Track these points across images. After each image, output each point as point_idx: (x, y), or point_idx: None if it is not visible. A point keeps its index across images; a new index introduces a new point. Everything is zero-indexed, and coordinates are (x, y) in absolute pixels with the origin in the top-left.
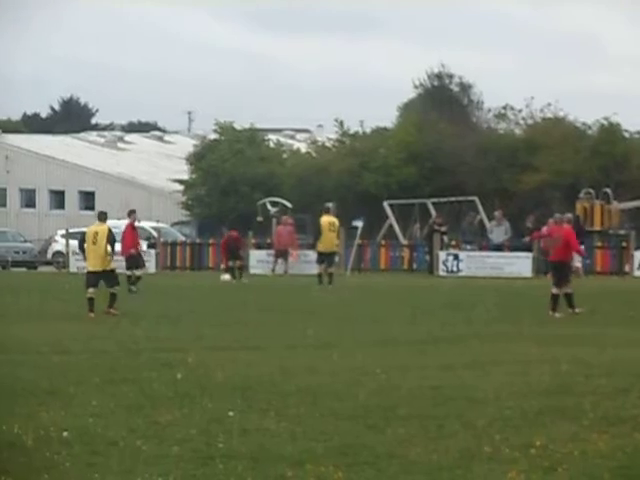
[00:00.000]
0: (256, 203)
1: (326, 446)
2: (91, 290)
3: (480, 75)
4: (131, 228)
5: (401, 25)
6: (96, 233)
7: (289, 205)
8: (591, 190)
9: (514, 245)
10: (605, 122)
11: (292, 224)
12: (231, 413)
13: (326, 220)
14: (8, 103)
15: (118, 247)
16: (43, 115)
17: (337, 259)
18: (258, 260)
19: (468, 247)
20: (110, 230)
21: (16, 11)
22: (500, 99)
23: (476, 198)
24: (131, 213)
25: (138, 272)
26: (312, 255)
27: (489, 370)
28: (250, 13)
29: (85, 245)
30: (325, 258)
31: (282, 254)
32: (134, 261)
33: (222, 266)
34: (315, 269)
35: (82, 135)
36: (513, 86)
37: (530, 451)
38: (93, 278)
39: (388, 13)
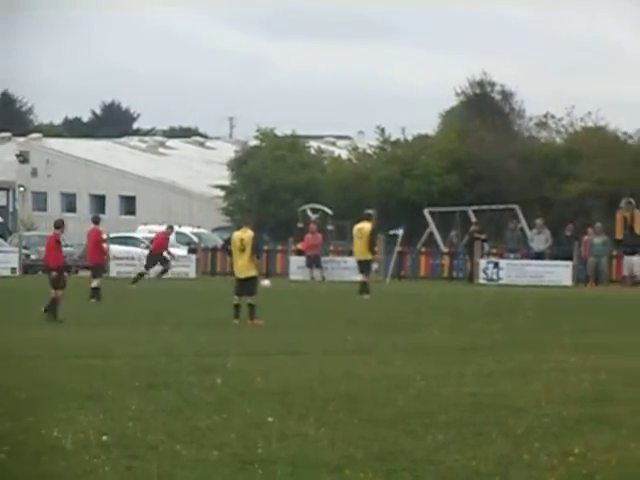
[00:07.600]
0: (297, 210)
1: (365, 452)
2: (236, 298)
3: (521, 83)
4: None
5: (438, 33)
6: (241, 240)
7: (330, 212)
8: (632, 199)
9: (554, 254)
10: None
11: (320, 231)
12: (270, 418)
13: (356, 227)
14: (49, 107)
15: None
16: (84, 120)
17: (374, 267)
18: (298, 267)
19: (511, 255)
20: (254, 237)
21: (56, 19)
22: (541, 107)
23: (517, 206)
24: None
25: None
26: (351, 262)
27: (528, 378)
28: (268, 21)
29: (233, 251)
30: (359, 266)
31: (313, 261)
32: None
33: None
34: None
35: (123, 140)
36: (554, 94)
37: (568, 459)
38: (239, 286)
39: (420, 21)
